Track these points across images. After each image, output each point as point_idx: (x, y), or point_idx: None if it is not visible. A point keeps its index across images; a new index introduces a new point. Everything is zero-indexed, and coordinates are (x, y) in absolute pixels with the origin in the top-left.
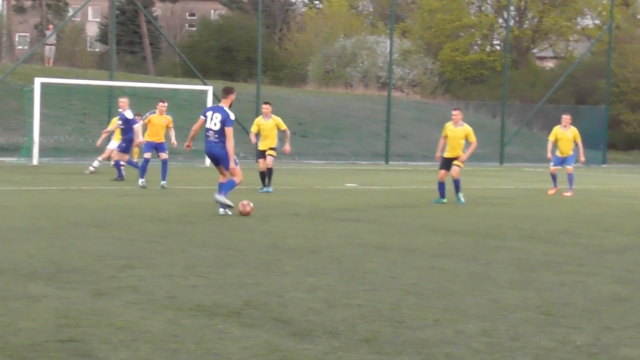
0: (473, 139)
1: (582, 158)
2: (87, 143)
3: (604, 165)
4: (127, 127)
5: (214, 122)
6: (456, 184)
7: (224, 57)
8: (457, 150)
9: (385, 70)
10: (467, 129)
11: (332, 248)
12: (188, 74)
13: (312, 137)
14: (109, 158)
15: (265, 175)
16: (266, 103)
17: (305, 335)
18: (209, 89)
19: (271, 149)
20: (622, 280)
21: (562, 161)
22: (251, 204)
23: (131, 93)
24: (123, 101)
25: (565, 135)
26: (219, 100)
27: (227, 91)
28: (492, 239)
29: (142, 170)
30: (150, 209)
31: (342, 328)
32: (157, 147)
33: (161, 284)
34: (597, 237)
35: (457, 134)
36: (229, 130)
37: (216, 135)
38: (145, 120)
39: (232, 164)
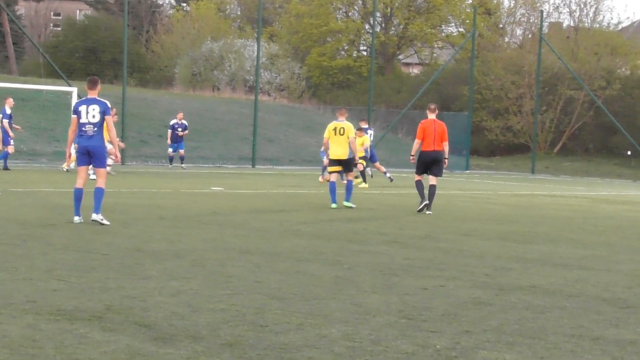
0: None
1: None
2: None
3: (467, 171)
4: None
5: (91, 114)
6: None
7: (89, 58)
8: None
9: (253, 74)
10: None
11: (196, 252)
12: (52, 74)
13: None
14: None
15: None
16: None
17: (168, 340)
18: (74, 90)
19: None
20: (482, 285)
21: None
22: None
23: None
24: None
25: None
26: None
27: (95, 81)
28: (356, 243)
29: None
30: (10, 212)
31: (205, 332)
32: None
33: (20, 288)
34: (458, 242)
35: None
36: (110, 119)
37: (95, 129)
38: None
39: (118, 153)
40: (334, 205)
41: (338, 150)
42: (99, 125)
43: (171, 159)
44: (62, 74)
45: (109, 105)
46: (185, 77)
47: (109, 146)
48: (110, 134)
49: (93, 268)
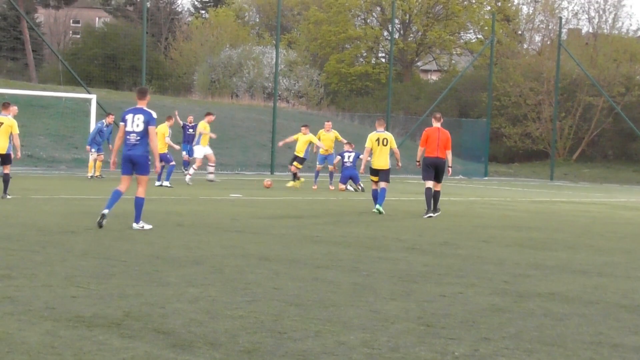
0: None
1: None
2: None
3: (485, 178)
4: None
5: (136, 123)
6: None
7: (108, 66)
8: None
9: (271, 80)
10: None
11: (215, 259)
12: (71, 82)
13: None
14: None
15: None
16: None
17: (186, 347)
18: (93, 97)
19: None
20: (501, 292)
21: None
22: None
23: (12, 100)
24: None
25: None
26: (104, 110)
27: (144, 91)
28: (374, 250)
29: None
30: (30, 218)
31: (223, 339)
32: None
33: (40, 294)
34: (477, 249)
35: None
36: (153, 130)
37: (138, 138)
38: None
39: (158, 163)
40: (377, 207)
41: (381, 160)
42: (142, 134)
43: (185, 164)
44: (81, 82)
45: (154, 115)
46: (204, 84)
47: (206, 152)
48: (151, 144)
49: (112, 275)
